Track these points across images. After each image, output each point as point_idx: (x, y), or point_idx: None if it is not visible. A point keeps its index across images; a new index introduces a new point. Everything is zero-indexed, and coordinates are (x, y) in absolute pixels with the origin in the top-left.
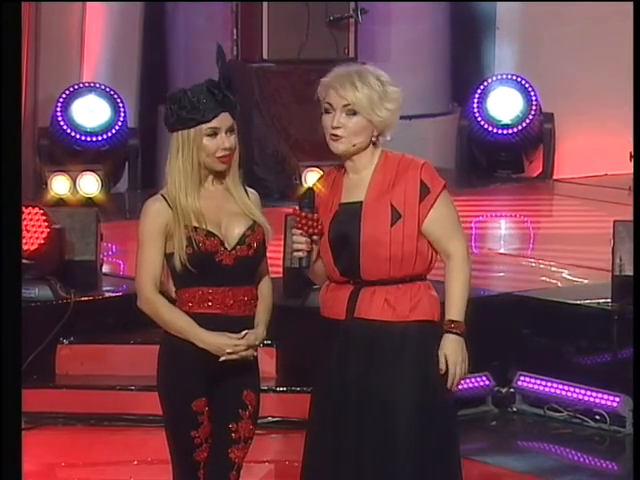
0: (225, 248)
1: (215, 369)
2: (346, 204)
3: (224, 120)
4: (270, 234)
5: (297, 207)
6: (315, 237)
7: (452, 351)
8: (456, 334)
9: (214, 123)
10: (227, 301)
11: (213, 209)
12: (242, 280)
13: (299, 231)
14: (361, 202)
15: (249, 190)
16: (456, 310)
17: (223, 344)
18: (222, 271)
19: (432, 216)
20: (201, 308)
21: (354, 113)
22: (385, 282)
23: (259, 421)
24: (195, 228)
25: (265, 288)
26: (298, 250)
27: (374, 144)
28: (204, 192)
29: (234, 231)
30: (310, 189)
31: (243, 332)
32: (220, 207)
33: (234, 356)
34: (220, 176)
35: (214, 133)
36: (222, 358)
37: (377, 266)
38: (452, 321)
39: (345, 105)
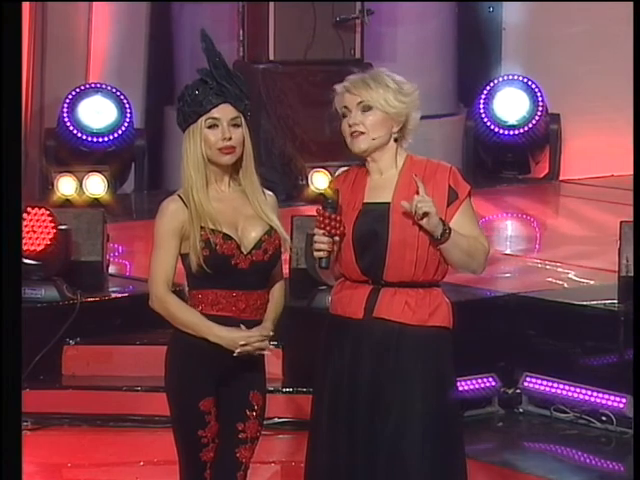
0: (241, 252)
1: (223, 369)
2: (371, 204)
3: (225, 111)
4: (286, 240)
5: (320, 207)
6: (337, 238)
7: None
8: (443, 223)
9: (213, 113)
10: (240, 305)
11: (229, 211)
12: (256, 285)
13: (321, 231)
14: (388, 203)
15: (266, 192)
16: (457, 233)
17: (237, 337)
18: (237, 275)
19: (457, 219)
20: (213, 310)
21: (369, 108)
22: (406, 285)
23: (266, 422)
24: (212, 230)
25: (277, 291)
26: (319, 250)
27: (395, 141)
28: (219, 194)
29: (250, 235)
30: (335, 190)
31: (254, 329)
32: (236, 209)
33: (248, 348)
34: (235, 177)
35: (214, 124)
36: (237, 351)
37: (401, 268)
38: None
39: (360, 102)
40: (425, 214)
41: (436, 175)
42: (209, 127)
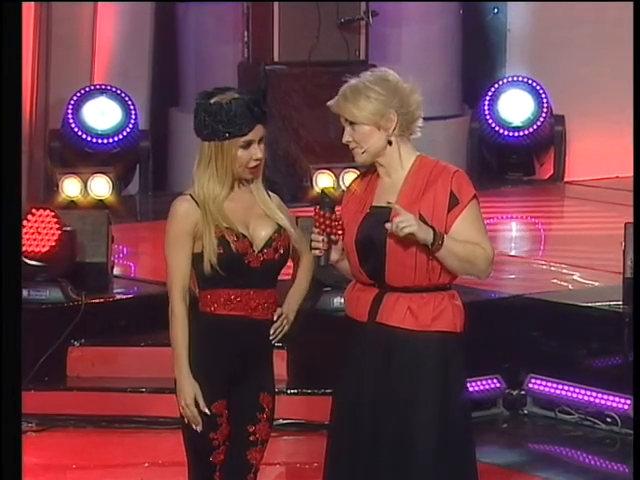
0: (253, 250)
1: (234, 371)
2: (376, 208)
3: (258, 132)
4: (293, 234)
5: (317, 207)
6: (333, 237)
7: (419, 224)
8: (434, 233)
9: (249, 136)
10: (251, 303)
11: (240, 211)
12: (266, 283)
13: (317, 230)
14: (391, 208)
15: (271, 194)
16: (452, 240)
17: (187, 395)
18: (249, 273)
19: (458, 226)
20: (225, 310)
21: (354, 123)
22: (409, 290)
23: None
24: (227, 228)
25: (306, 262)
26: (315, 249)
27: (390, 144)
28: (229, 194)
29: (261, 233)
30: (332, 189)
31: (278, 311)
32: (246, 209)
33: (187, 413)
34: (246, 180)
35: (248, 145)
36: (180, 406)
37: (402, 273)
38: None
39: (346, 120)
40: (409, 233)
41: (438, 180)
42: (242, 147)
